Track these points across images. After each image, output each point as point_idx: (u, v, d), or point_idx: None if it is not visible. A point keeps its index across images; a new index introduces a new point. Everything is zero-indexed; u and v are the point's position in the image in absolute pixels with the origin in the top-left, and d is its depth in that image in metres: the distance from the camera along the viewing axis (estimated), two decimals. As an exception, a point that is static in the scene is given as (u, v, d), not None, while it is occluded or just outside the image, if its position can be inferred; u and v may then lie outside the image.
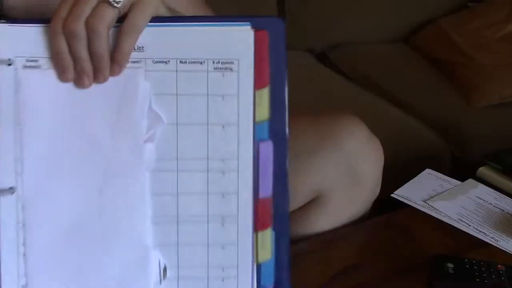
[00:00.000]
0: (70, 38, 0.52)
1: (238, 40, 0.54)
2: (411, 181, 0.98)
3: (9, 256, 0.54)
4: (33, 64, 0.52)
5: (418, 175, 1.00)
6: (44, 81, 0.53)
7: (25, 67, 0.52)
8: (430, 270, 0.75)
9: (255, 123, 0.56)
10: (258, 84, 0.55)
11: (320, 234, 0.84)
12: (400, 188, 0.95)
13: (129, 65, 0.53)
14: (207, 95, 0.54)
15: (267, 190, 0.56)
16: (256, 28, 0.54)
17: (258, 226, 0.57)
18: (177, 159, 0.55)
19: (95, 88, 0.53)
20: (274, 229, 0.58)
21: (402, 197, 0.92)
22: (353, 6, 1.84)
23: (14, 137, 0.53)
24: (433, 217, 0.88)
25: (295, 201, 0.82)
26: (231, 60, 0.54)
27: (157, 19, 0.54)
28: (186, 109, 0.54)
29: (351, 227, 0.86)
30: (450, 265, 0.75)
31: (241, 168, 0.56)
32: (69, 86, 0.53)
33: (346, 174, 0.81)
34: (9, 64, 0.52)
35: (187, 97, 0.54)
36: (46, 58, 0.53)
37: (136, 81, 0.53)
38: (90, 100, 0.54)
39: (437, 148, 1.42)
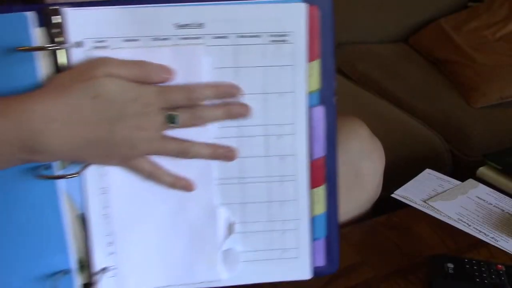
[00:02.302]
0: None
1: (292, 14, 0.57)
2: (411, 181, 0.98)
3: (95, 219, 0.59)
4: (101, 44, 0.55)
5: (418, 175, 1.00)
6: None
7: (94, 48, 0.55)
8: (430, 270, 0.75)
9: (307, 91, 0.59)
10: (310, 57, 0.58)
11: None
12: (400, 188, 0.95)
13: (190, 41, 0.56)
14: (265, 66, 0.57)
15: (320, 151, 0.61)
16: (307, 4, 0.57)
17: (313, 183, 0.61)
18: (237, 126, 0.59)
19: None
20: (326, 186, 0.62)
21: (402, 197, 0.92)
22: (353, 6, 1.84)
23: None
24: (433, 217, 0.88)
25: None
26: (287, 33, 0.57)
27: None
28: (245, 80, 0.57)
29: (351, 227, 0.86)
30: (450, 265, 0.75)
31: (297, 131, 0.59)
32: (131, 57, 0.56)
33: (349, 173, 0.83)
34: (79, 46, 0.54)
35: (246, 69, 0.57)
36: (114, 39, 0.55)
37: (198, 57, 0.56)
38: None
39: (437, 148, 1.42)
